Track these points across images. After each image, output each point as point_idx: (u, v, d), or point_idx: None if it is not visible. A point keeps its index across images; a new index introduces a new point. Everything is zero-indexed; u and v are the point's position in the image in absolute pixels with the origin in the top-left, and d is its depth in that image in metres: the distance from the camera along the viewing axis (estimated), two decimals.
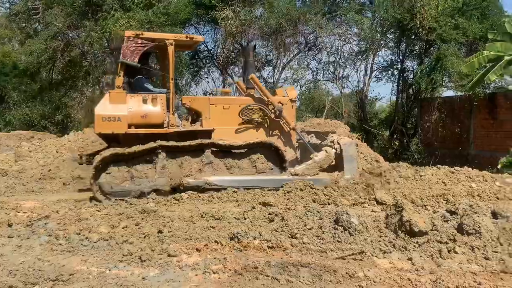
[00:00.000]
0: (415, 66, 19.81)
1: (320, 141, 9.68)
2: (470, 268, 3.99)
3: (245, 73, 10.10)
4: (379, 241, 4.74)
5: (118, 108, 8.07)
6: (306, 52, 21.21)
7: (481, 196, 7.32)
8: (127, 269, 4.32)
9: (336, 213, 5.25)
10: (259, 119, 9.08)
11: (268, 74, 21.29)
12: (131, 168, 8.03)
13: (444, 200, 7.01)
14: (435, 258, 4.25)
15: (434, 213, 5.77)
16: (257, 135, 9.03)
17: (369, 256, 4.44)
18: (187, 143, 8.20)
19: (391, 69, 21.35)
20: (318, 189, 7.74)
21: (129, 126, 8.11)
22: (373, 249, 4.60)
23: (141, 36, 8.36)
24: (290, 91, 9.75)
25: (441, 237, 4.62)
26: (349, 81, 22.00)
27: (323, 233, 5.03)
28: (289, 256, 4.51)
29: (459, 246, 4.43)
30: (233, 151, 8.64)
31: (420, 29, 17.49)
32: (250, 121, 9.07)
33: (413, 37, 18.78)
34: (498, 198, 7.22)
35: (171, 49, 8.47)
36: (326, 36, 19.27)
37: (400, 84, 20.64)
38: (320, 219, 5.43)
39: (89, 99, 20.84)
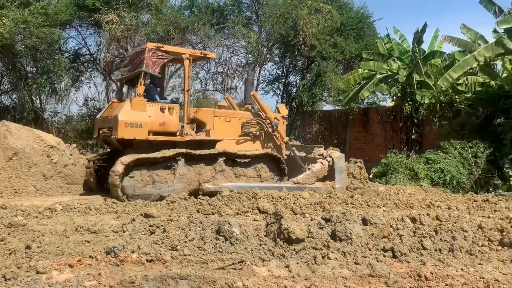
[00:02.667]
0: (298, 81, 20.80)
1: (305, 154, 10.56)
2: (341, 273, 4.20)
3: (246, 90, 10.94)
4: (259, 250, 4.82)
5: (140, 115, 8.64)
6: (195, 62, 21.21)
7: (353, 204, 7.80)
8: None
9: (218, 223, 5.24)
10: (257, 132, 10.13)
11: None
12: (152, 173, 8.56)
13: (321, 208, 7.35)
14: (311, 264, 4.41)
15: (311, 220, 6.03)
16: (255, 147, 10.07)
17: (249, 265, 4.48)
18: (206, 151, 9.02)
19: (277, 83, 22.18)
20: (202, 199, 7.74)
21: (148, 133, 8.72)
22: (253, 257, 4.65)
23: (161, 48, 9.10)
24: (282, 109, 10.84)
25: (316, 244, 4.82)
26: (237, 92, 22.42)
27: (205, 243, 4.98)
28: (169, 269, 4.38)
29: (332, 252, 4.65)
30: (241, 160, 9.51)
31: (303, 46, 18.41)
32: (248, 133, 10.07)
33: (296, 53, 19.70)
34: (368, 206, 7.76)
35: (187, 63, 9.34)
36: (215, 47, 19.47)
37: (284, 97, 21.48)
38: (203, 230, 5.37)
39: None
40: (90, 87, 20.70)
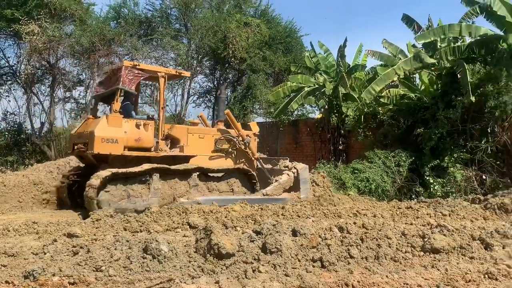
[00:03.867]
0: (229, 93, 20.86)
1: (271, 166, 11.09)
2: (272, 286, 4.19)
3: (219, 108, 11.48)
4: (188, 267, 4.70)
5: (116, 131, 8.84)
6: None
7: (284, 215, 7.88)
8: None
9: (145, 241, 5.06)
10: (230, 148, 10.55)
11: (79, 95, 20.12)
12: (128, 187, 8.68)
13: (252, 220, 7.34)
14: (241, 279, 4.36)
15: (242, 233, 5.98)
16: (227, 163, 10.43)
17: (177, 283, 4.35)
18: (182, 166, 9.33)
19: (208, 95, 22.11)
20: (130, 216, 7.49)
21: (124, 148, 8.90)
22: (182, 275, 4.52)
23: (137, 66, 9.41)
24: (254, 126, 11.40)
25: (247, 258, 4.78)
26: (167, 105, 22.06)
27: (131, 263, 4.78)
28: None
29: (263, 265, 4.63)
30: (213, 174, 9.83)
31: (233, 59, 18.52)
32: (221, 150, 10.46)
33: (226, 65, 19.78)
34: (298, 216, 7.87)
35: (162, 81, 9.66)
36: (142, 59, 19.06)
37: (215, 110, 21.44)
38: (129, 249, 5.16)
39: None
40: (9, 100, 19.56)
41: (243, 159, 10.74)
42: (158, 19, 20.40)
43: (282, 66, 19.77)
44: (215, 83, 21.46)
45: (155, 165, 8.93)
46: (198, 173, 9.53)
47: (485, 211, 8.15)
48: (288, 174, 10.34)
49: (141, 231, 6.59)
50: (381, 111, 15.31)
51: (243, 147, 10.65)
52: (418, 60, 13.68)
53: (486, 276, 4.34)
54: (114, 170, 8.47)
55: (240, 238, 5.44)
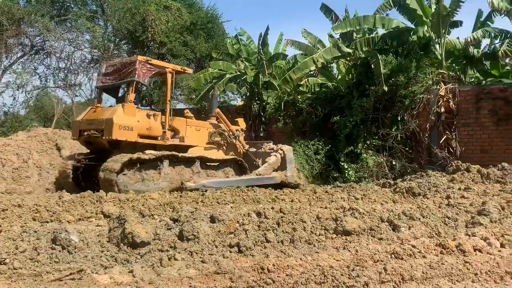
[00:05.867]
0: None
1: (255, 149, 12.21)
2: (188, 273, 4.14)
3: (212, 104, 12.27)
4: (101, 257, 4.52)
5: (130, 120, 9.61)
6: (33, 56, 19.41)
7: (204, 202, 7.83)
8: None
9: (54, 232, 4.80)
10: (221, 141, 11.62)
11: None
12: (142, 172, 9.34)
13: (171, 208, 7.22)
14: (156, 267, 4.27)
15: (159, 222, 5.87)
16: (219, 153, 11.41)
17: (89, 273, 4.17)
18: (189, 155, 10.30)
19: None
20: (40, 206, 7.06)
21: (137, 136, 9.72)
22: (94, 265, 4.34)
23: (150, 62, 10.24)
24: (241, 122, 12.52)
25: (162, 246, 4.69)
26: (82, 89, 21.08)
27: (39, 254, 4.51)
28: None
29: (179, 252, 4.56)
30: (212, 164, 10.74)
31: (152, 43, 18.02)
32: (214, 142, 11.48)
33: (145, 49, 19.22)
34: (218, 203, 7.86)
35: (169, 76, 10.55)
36: (55, 40, 18.02)
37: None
38: (37, 240, 4.86)
39: None
40: None
41: (232, 151, 11.84)
42: None
43: (203, 52, 19.56)
44: None
45: (168, 152, 9.79)
46: (199, 161, 10.39)
47: (394, 195, 8.64)
48: (275, 155, 11.50)
49: (51, 221, 6.24)
50: (300, 100, 15.67)
51: (234, 140, 11.71)
52: (336, 50, 14.14)
53: (393, 256, 4.58)
54: (133, 155, 9.14)
55: (156, 226, 5.33)
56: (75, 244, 4.59)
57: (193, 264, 4.37)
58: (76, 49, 19.69)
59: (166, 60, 18.91)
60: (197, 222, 5.14)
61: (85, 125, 10.08)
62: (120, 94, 10.65)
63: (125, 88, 10.15)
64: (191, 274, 4.11)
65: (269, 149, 11.97)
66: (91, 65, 20.09)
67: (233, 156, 11.53)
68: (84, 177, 10.09)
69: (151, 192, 8.61)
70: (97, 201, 7.58)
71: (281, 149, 11.77)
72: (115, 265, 4.37)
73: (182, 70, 11.36)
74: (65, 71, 19.95)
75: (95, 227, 5.81)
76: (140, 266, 4.29)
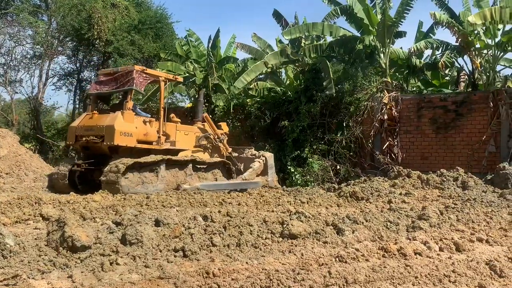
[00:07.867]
0: (93, 77, 19.72)
1: (237, 154, 12.68)
2: (130, 278, 4.00)
3: (198, 109, 12.94)
4: (38, 261, 4.28)
5: (129, 126, 10.14)
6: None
7: (148, 205, 7.65)
8: None
9: None
10: (207, 144, 12.14)
11: None
12: (141, 175, 9.80)
13: (114, 211, 7.00)
14: (97, 272, 4.09)
15: (101, 225, 5.67)
16: (205, 156, 11.88)
17: (25, 279, 3.94)
18: (182, 158, 10.74)
19: (70, 78, 20.63)
20: None
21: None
22: (31, 270, 4.11)
23: (146, 71, 10.78)
24: (224, 127, 12.97)
25: (104, 250, 4.51)
26: (23, 86, 20.13)
27: None
28: None
29: (121, 257, 4.41)
30: (202, 166, 11.29)
31: (98, 40, 17.51)
32: (201, 145, 12.01)
33: (91, 47, 18.63)
34: (163, 206, 7.70)
35: (162, 84, 11.27)
36: None
37: (78, 94, 20.13)
38: None
39: None
40: None
41: (217, 154, 12.33)
42: None
43: (151, 52, 19.18)
44: (77, 65, 20.08)
45: (165, 156, 10.16)
46: (191, 164, 10.85)
47: (339, 199, 8.81)
48: (259, 161, 12.13)
49: None
50: (249, 103, 15.70)
51: (219, 144, 12.25)
52: (284, 55, 14.29)
53: (337, 259, 4.64)
54: (135, 160, 9.62)
55: (98, 230, 5.15)
56: (10, 248, 4.33)
57: (136, 269, 4.23)
58: (17, 44, 18.80)
59: (113, 59, 18.42)
60: (141, 225, 5.00)
61: (82, 131, 10.47)
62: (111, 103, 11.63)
63: (121, 96, 10.80)
64: (134, 280, 3.98)
65: (251, 155, 12.56)
66: (33, 61, 19.20)
67: (222, 159, 12.06)
68: (81, 180, 10.65)
69: (150, 194, 8.92)
70: (35, 203, 7.25)
71: (264, 156, 12.40)
72: (53, 270, 4.16)
73: (174, 79, 11.93)
74: (5, 67, 18.95)
75: (33, 230, 5.54)
76: (80, 271, 4.10)
